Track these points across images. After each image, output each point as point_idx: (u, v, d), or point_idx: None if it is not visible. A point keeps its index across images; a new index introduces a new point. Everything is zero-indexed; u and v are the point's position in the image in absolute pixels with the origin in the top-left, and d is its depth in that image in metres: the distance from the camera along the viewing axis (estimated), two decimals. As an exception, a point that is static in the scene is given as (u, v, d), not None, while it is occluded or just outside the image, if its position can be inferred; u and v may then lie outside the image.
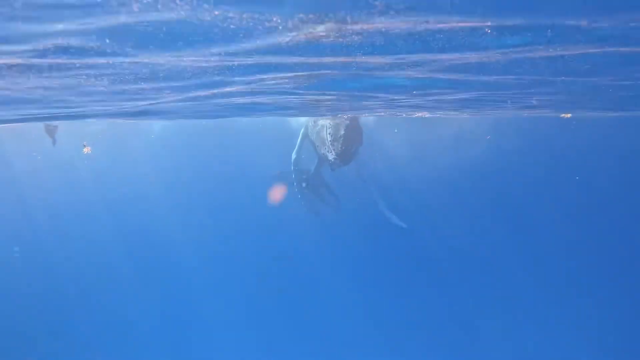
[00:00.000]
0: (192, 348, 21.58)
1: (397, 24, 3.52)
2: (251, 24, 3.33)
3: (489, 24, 3.67)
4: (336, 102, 8.77)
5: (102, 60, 4.44)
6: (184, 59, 4.51)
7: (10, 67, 4.61)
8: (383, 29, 3.64)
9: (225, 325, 22.57)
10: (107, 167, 31.09)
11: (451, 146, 24.53)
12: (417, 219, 25.91)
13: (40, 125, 12.50)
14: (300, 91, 7.14)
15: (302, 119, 14.13)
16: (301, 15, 3.26)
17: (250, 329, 22.25)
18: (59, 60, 4.38)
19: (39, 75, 5.09)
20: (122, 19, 3.19)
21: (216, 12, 3.05)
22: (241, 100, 7.89)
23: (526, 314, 21.60)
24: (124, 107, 8.35)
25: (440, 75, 5.94)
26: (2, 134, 19.49)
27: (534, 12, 3.57)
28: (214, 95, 7.11)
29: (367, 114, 11.75)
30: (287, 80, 6.07)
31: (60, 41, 3.72)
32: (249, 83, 6.07)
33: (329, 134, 10.93)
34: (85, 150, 11.55)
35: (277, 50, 4.21)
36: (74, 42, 3.76)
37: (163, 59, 4.53)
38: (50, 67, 4.73)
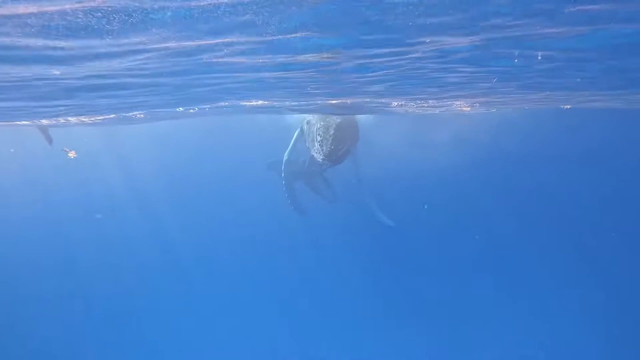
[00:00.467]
0: (193, 347, 21.57)
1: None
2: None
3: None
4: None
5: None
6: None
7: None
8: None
9: (226, 325, 22.61)
10: (104, 167, 31.15)
11: (451, 146, 24.85)
12: (415, 218, 25.98)
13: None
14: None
15: (298, 117, 13.98)
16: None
17: (254, 328, 22.28)
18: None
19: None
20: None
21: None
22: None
23: (529, 317, 21.47)
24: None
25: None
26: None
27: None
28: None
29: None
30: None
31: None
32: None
33: (319, 134, 10.66)
34: (71, 154, 11.45)
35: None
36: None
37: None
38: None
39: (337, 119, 10.87)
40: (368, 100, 10.19)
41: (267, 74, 6.81)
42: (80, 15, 3.45)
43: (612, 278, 22.74)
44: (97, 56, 4.92)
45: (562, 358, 19.62)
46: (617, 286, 22.24)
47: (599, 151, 24.90)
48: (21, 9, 3.27)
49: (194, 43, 4.64)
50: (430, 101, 10.44)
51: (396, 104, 10.86)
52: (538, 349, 19.76)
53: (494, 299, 22.85)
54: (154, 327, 22.45)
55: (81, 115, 10.45)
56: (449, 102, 10.94)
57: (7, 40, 4.06)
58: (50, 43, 4.21)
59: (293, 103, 10.51)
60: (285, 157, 12.87)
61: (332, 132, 10.47)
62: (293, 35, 4.56)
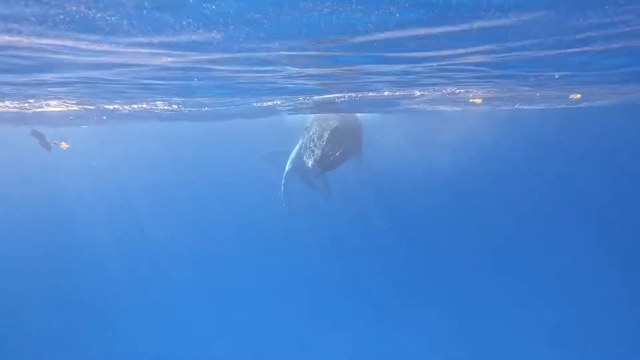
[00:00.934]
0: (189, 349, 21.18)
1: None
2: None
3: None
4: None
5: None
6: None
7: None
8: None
9: (224, 326, 22.27)
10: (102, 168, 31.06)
11: (454, 146, 24.82)
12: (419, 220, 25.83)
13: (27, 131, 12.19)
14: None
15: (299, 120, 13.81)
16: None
17: (251, 329, 22.12)
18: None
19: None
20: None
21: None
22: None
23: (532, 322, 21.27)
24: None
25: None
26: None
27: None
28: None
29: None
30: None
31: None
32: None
33: (312, 140, 10.30)
34: (63, 146, 11.18)
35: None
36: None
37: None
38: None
39: (334, 123, 10.48)
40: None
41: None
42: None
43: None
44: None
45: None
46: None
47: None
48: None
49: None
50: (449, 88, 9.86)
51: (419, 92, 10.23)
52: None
53: (509, 300, 22.71)
54: (153, 326, 22.12)
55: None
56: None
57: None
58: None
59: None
60: (287, 167, 12.46)
61: (326, 136, 10.09)
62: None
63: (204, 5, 3.66)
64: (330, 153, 9.97)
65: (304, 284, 25.59)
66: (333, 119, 10.95)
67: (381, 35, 4.84)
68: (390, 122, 21.01)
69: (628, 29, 4.98)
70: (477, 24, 4.53)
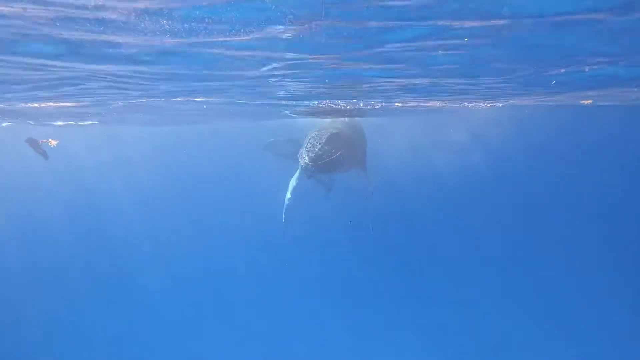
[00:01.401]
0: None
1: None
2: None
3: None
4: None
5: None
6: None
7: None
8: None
9: (225, 326, 22.25)
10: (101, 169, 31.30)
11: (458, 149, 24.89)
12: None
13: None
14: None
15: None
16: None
17: (255, 330, 22.03)
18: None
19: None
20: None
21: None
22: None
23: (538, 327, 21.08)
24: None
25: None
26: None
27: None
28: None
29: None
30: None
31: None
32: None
33: (310, 141, 10.14)
34: (51, 143, 10.90)
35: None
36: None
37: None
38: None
39: (335, 130, 10.43)
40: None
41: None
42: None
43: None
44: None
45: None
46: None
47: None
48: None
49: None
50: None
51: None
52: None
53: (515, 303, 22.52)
54: (153, 328, 22.01)
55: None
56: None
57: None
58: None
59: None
60: (293, 183, 12.17)
61: (325, 138, 9.95)
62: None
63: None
64: (327, 155, 9.72)
65: (304, 286, 25.49)
66: (335, 127, 10.86)
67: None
68: (394, 125, 21.07)
69: None
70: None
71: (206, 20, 4.27)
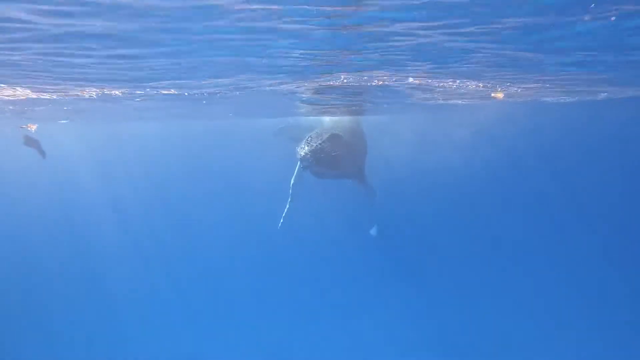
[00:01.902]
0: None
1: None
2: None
3: None
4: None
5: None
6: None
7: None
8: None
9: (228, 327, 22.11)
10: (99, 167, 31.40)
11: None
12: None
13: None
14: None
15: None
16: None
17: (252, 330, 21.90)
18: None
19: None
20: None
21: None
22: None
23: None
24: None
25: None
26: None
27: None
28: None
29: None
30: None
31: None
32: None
33: (311, 137, 10.43)
34: (31, 127, 10.83)
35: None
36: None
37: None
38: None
39: (336, 132, 10.60)
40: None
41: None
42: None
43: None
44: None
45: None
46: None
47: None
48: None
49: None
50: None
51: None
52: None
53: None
54: (148, 329, 21.90)
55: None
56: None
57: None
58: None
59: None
60: (292, 183, 12.22)
61: (326, 136, 10.14)
62: None
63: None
64: (327, 151, 9.94)
65: (304, 285, 25.38)
66: (339, 129, 11.22)
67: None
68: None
69: None
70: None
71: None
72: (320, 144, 9.96)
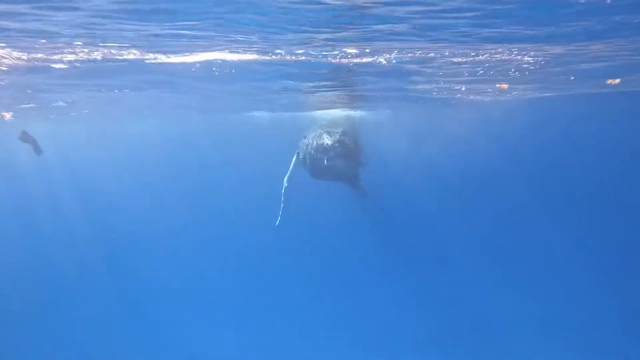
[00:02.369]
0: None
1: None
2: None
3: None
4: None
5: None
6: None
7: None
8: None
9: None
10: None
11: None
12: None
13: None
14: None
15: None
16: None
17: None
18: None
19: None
20: None
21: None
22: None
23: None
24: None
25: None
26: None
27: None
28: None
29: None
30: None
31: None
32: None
33: (325, 131, 10.18)
34: (5, 116, 10.68)
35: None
36: None
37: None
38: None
39: (342, 133, 10.37)
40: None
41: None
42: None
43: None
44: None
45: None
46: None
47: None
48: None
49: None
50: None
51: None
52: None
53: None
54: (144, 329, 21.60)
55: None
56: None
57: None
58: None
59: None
60: (285, 184, 12.03)
61: (340, 130, 10.08)
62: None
63: None
64: (347, 144, 9.91)
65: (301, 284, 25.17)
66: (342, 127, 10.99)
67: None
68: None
69: None
70: None
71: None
72: (340, 137, 9.79)
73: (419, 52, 8.27)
